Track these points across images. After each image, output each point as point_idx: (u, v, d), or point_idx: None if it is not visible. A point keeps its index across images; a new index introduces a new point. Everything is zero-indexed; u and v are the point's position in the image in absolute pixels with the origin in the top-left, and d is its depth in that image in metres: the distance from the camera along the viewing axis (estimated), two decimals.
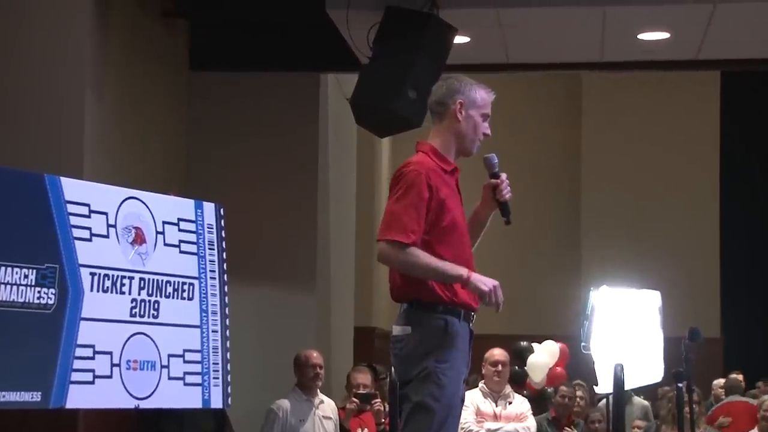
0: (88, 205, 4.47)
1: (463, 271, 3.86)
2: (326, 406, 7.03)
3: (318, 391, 7.02)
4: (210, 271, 5.04)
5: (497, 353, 7.27)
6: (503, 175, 4.12)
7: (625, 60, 8.42)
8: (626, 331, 5.46)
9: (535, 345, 8.90)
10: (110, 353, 4.49)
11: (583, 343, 5.51)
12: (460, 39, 7.46)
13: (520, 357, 8.75)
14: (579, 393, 8.50)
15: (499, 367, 7.22)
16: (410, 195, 3.89)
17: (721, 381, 10.09)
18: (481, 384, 7.31)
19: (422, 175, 3.91)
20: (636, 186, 13.06)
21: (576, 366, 8.09)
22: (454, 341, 3.89)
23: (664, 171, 13.10)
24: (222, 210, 5.19)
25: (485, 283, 3.86)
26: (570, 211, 13.27)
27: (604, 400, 7.03)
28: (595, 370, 5.39)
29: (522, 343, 8.91)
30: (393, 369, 4.04)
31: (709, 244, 13.08)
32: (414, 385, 3.86)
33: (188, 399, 4.89)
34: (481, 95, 4.07)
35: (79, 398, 4.36)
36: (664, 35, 7.76)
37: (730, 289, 13.24)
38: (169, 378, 4.76)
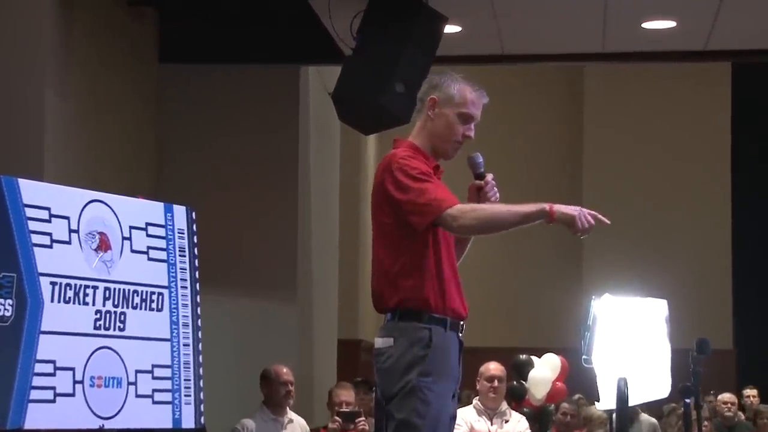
0: (48, 208, 4.45)
1: (544, 204, 3.82)
2: (296, 426, 6.99)
3: (288, 409, 6.99)
4: (181, 279, 5.03)
5: (493, 367, 7.27)
6: (489, 176, 4.08)
7: (629, 51, 8.44)
8: (630, 343, 5.47)
9: (534, 358, 8.91)
10: (72, 369, 4.48)
11: (584, 356, 5.52)
12: (451, 29, 7.46)
13: (519, 371, 8.75)
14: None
15: (495, 383, 7.21)
16: (421, 174, 3.86)
17: (726, 395, 10.09)
18: (475, 401, 7.30)
19: (418, 159, 3.91)
20: (641, 186, 13.08)
21: (577, 380, 8.09)
22: (440, 353, 3.87)
23: (672, 170, 13.12)
24: (194, 213, 5.18)
25: (571, 209, 3.80)
26: None
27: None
28: (597, 384, 5.40)
29: (521, 356, 8.92)
30: (376, 384, 4.02)
31: (720, 248, 13.11)
32: (397, 401, 3.84)
33: (157, 418, 4.87)
34: (462, 93, 4.01)
35: (38, 418, 4.34)
36: (670, 24, 7.78)
37: (743, 296, 13.26)
38: (137, 396, 4.74)
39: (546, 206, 3.80)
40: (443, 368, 3.88)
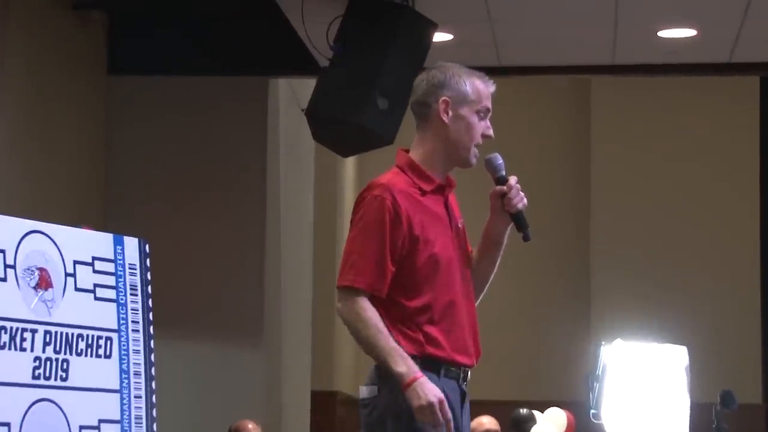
0: None
1: (405, 370, 3.76)
2: None
3: None
4: (132, 321, 5.03)
5: (486, 421, 7.30)
6: (512, 179, 4.00)
7: (643, 63, 8.50)
8: (645, 395, 5.50)
9: (536, 413, 8.93)
10: (8, 425, 4.46)
11: (592, 410, 5.55)
12: (441, 36, 7.51)
13: (519, 428, 8.76)
14: None
15: None
16: (372, 230, 3.86)
17: None
18: None
19: (387, 202, 3.87)
20: (656, 217, 13.11)
21: None
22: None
23: (692, 198, 13.16)
24: (147, 246, 5.18)
25: (421, 396, 3.74)
26: (577, 247, 13.31)
27: None
28: None
29: (521, 410, 8.94)
30: None
31: (748, 287, 13.13)
32: None
33: None
34: (475, 87, 4.01)
35: None
36: (690, 33, 7.84)
37: None
38: None
39: (408, 377, 3.75)
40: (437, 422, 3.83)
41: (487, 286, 4.16)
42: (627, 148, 13.31)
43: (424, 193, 3.98)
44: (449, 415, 3.78)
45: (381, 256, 3.85)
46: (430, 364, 3.89)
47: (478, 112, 3.99)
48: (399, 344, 3.87)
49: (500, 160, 4.03)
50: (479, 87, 4.02)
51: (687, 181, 13.21)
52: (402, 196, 3.91)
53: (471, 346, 4.00)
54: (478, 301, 4.16)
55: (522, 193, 3.98)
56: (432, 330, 3.89)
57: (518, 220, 4.00)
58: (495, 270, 4.13)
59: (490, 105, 4.02)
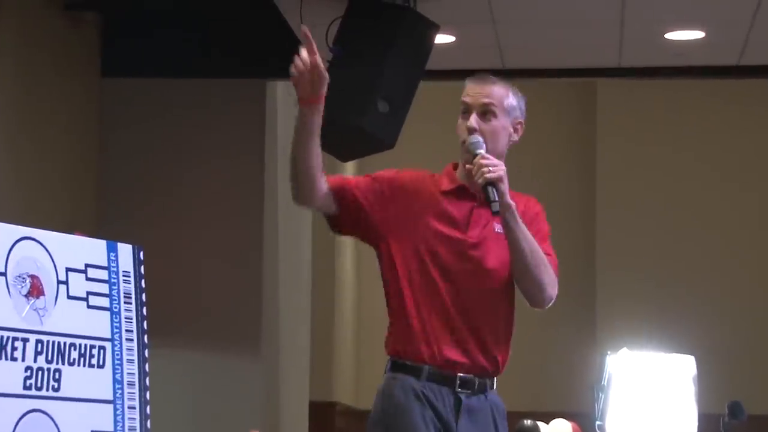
0: None
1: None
2: None
3: None
4: (126, 330, 5.03)
5: None
6: (478, 155, 3.94)
7: (650, 65, 8.50)
8: (651, 406, 5.50)
9: (541, 424, 8.92)
10: None
11: (597, 422, 5.55)
12: (443, 38, 7.52)
13: None
14: None
15: None
16: None
17: None
18: None
19: (390, 171, 4.06)
20: (665, 223, 13.11)
21: None
22: (402, 409, 3.85)
23: (700, 203, 13.15)
24: (141, 253, 5.18)
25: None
26: (581, 255, 13.29)
27: None
28: None
29: (526, 421, 8.93)
30: None
31: (757, 295, 13.12)
32: None
33: None
34: (463, 90, 4.14)
35: None
36: (698, 35, 7.85)
37: None
38: None
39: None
40: (412, 428, 3.84)
41: (537, 285, 4.41)
42: (633, 151, 13.31)
43: (444, 191, 4.06)
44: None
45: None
46: (409, 366, 3.91)
47: (462, 113, 4.08)
48: (386, 343, 3.99)
49: (475, 140, 4.01)
50: (465, 86, 4.11)
51: (695, 185, 13.20)
52: (411, 177, 4.09)
53: (472, 352, 4.02)
54: (549, 303, 4.42)
55: (487, 168, 3.90)
56: (415, 327, 3.93)
57: (485, 192, 3.94)
58: (526, 262, 4.25)
59: (466, 99, 4.06)
